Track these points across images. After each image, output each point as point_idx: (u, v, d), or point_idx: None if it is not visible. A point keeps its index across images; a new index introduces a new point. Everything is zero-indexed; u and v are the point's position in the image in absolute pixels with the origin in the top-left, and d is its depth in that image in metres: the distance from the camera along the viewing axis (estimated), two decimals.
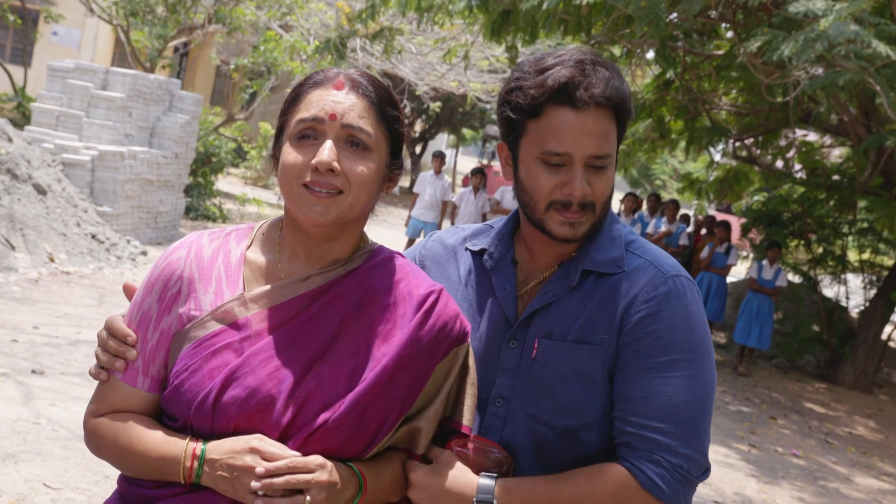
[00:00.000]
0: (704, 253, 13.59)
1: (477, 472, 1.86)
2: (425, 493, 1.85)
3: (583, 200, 1.88)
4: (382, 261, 1.87)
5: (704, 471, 1.85)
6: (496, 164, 33.16)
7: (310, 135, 1.75)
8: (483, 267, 2.06)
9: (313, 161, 1.71)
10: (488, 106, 27.71)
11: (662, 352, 1.84)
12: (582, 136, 1.85)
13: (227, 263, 1.83)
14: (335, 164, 1.71)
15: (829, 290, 14.35)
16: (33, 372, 6.30)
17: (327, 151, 1.71)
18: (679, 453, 1.80)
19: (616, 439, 1.86)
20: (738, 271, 18.69)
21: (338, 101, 1.76)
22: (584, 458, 1.89)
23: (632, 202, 15.56)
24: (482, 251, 2.08)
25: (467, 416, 1.88)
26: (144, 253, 11.65)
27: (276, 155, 1.82)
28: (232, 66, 18.98)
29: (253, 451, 1.66)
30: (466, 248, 2.11)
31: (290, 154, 1.75)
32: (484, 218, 13.69)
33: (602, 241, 1.97)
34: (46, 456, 5.00)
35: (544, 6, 8.83)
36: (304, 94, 1.79)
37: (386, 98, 1.81)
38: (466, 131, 40.01)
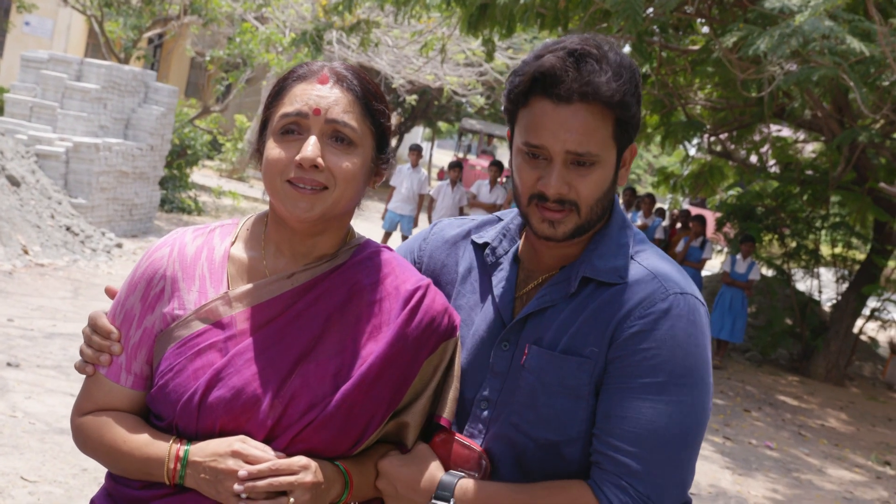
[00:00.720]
0: (680, 247, 13.68)
1: (451, 470, 1.82)
2: (389, 483, 1.81)
3: (559, 197, 1.77)
4: (369, 255, 1.84)
5: None
6: (472, 158, 33.20)
7: (294, 129, 1.72)
8: (484, 262, 1.97)
9: (297, 157, 1.69)
10: (464, 99, 27.70)
11: (650, 373, 1.72)
12: (560, 130, 1.75)
13: (210, 261, 1.80)
14: (319, 160, 1.69)
15: (802, 283, 14.49)
16: (8, 365, 6.25)
17: (311, 147, 1.69)
18: (648, 482, 1.69)
19: (591, 457, 1.77)
20: (713, 265, 18.81)
21: (322, 95, 1.73)
22: (566, 475, 1.80)
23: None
24: (485, 245, 1.98)
25: (448, 409, 1.86)
26: (119, 245, 11.57)
27: (259, 150, 1.79)
28: (207, 58, 18.89)
29: (235, 454, 1.65)
30: (471, 241, 2.02)
31: (273, 150, 1.72)
32: (461, 212, 13.71)
33: (607, 248, 1.85)
34: (23, 449, 4.97)
35: (521, 0, 8.85)
36: (288, 88, 1.76)
37: (371, 92, 1.79)
38: (442, 124, 40.00)
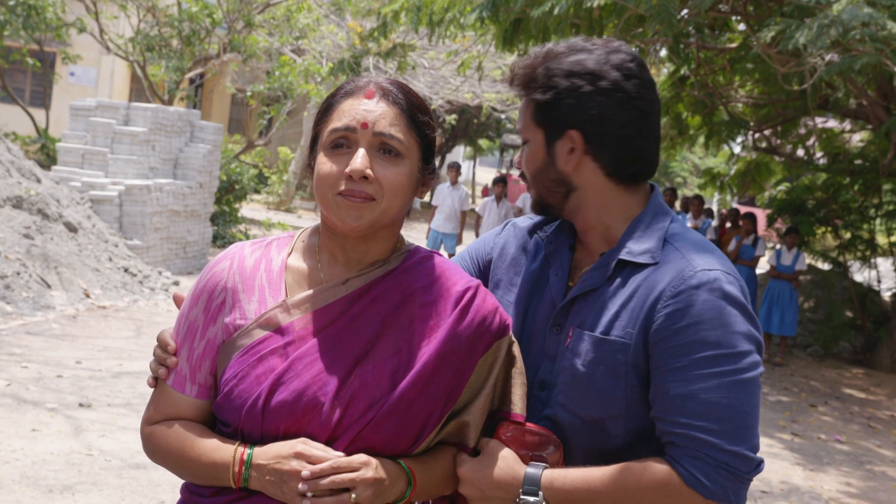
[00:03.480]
0: (731, 246, 13.57)
1: (527, 461, 1.87)
2: (474, 488, 1.86)
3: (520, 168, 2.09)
4: (420, 260, 1.90)
5: (756, 465, 1.80)
6: (515, 173, 33.22)
7: (343, 143, 1.79)
8: (546, 253, 2.09)
9: (347, 169, 1.75)
10: (503, 115, 27.78)
11: (697, 348, 1.80)
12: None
13: (269, 272, 1.87)
14: (368, 171, 1.75)
15: (860, 275, 14.28)
16: (80, 405, 6.41)
17: (360, 160, 1.75)
18: (725, 450, 1.77)
19: (661, 438, 1.85)
20: (764, 262, 18.64)
21: (369, 109, 1.79)
22: (610, 449, 1.90)
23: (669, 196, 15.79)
24: (545, 237, 2.11)
25: (518, 405, 1.91)
26: (176, 283, 11.79)
27: (311, 164, 1.86)
28: (248, 94, 19.20)
29: (298, 455, 1.70)
30: (535, 234, 2.14)
31: (324, 164, 1.79)
32: None
33: (643, 232, 1.96)
34: (102, 486, 5.09)
35: (555, 11, 8.89)
36: (336, 105, 1.83)
37: (416, 104, 1.85)
38: (483, 142, 40.11)
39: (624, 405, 1.88)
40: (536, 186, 2.03)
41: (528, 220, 2.20)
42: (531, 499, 1.82)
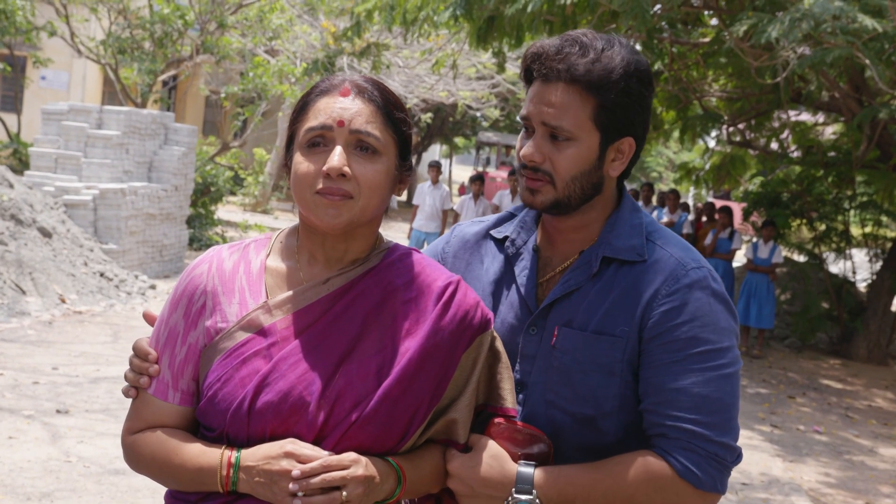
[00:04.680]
0: (708, 240, 13.64)
1: (517, 459, 1.86)
2: (463, 484, 1.85)
3: (533, 164, 1.91)
4: (399, 257, 1.90)
5: (737, 455, 1.87)
6: (492, 170, 33.28)
7: (319, 142, 1.78)
8: (506, 254, 2.07)
9: (324, 167, 1.75)
10: (479, 113, 27.80)
11: (690, 344, 1.85)
12: (541, 103, 1.90)
13: (248, 273, 1.86)
14: (346, 168, 1.74)
15: (835, 266, 14.39)
16: (58, 412, 6.35)
17: (337, 157, 1.74)
18: (714, 442, 1.82)
19: (649, 430, 1.87)
20: (740, 255, 18.75)
21: (345, 107, 1.79)
22: (602, 446, 1.91)
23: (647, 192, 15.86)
24: (505, 238, 2.09)
25: (509, 399, 1.90)
26: (153, 287, 11.71)
27: (287, 164, 1.85)
28: (222, 95, 19.08)
29: (288, 454, 1.69)
30: (490, 237, 2.12)
31: (301, 163, 1.78)
32: None
33: (622, 229, 1.96)
34: (81, 492, 5.05)
35: (529, 9, 8.89)
36: (311, 103, 1.83)
37: (391, 101, 1.84)
38: (459, 140, 40.08)
39: (617, 402, 1.91)
40: (571, 187, 1.92)
41: (475, 224, 2.18)
42: (524, 497, 1.81)
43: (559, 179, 1.91)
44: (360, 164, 1.77)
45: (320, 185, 1.76)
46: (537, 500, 1.81)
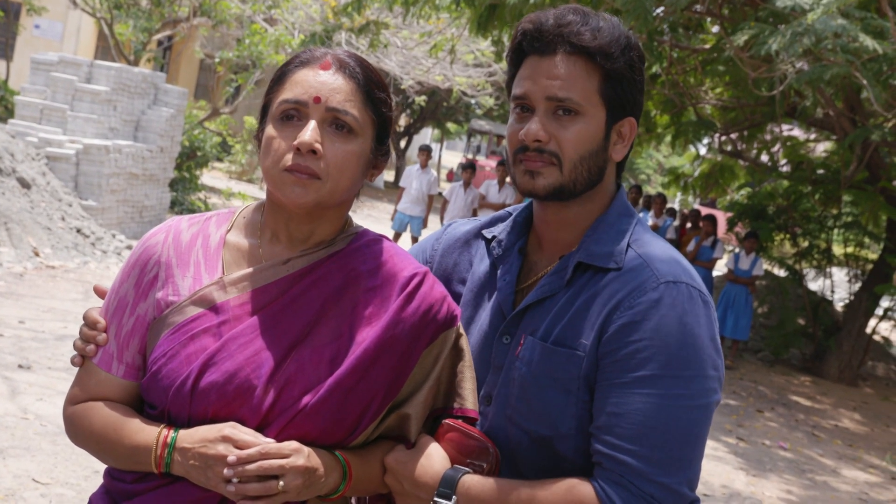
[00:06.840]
0: (690, 247, 13.63)
1: (462, 463, 1.77)
2: (395, 480, 1.78)
3: (538, 145, 1.76)
4: (367, 243, 1.82)
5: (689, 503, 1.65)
6: (481, 159, 33.19)
7: (294, 115, 1.70)
8: (493, 256, 1.95)
9: (295, 142, 1.67)
10: (473, 100, 27.68)
11: (641, 365, 1.65)
12: (542, 77, 1.76)
13: (206, 247, 1.79)
14: (317, 145, 1.66)
15: (814, 283, 14.43)
16: (20, 367, 6.25)
17: (310, 133, 1.66)
18: (653, 482, 1.62)
19: (592, 457, 1.70)
20: (722, 265, 18.79)
21: (323, 81, 1.71)
22: (560, 471, 1.74)
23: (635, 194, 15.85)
24: (493, 239, 1.97)
25: (470, 400, 1.82)
26: (129, 247, 11.57)
27: (258, 136, 1.77)
28: (217, 60, 18.90)
29: (226, 439, 1.62)
30: (482, 237, 2.01)
31: (272, 136, 1.70)
32: (474, 213, 13.67)
33: (605, 233, 1.81)
34: (35, 451, 4.96)
35: (531, 0, 8.82)
36: (289, 74, 1.74)
37: (373, 80, 1.76)
38: (451, 126, 39.97)
39: (574, 423, 1.74)
40: (578, 169, 1.77)
41: (469, 222, 2.08)
42: (443, 502, 1.72)
43: (566, 160, 1.76)
44: (333, 143, 1.69)
45: (289, 162, 1.68)
46: None
